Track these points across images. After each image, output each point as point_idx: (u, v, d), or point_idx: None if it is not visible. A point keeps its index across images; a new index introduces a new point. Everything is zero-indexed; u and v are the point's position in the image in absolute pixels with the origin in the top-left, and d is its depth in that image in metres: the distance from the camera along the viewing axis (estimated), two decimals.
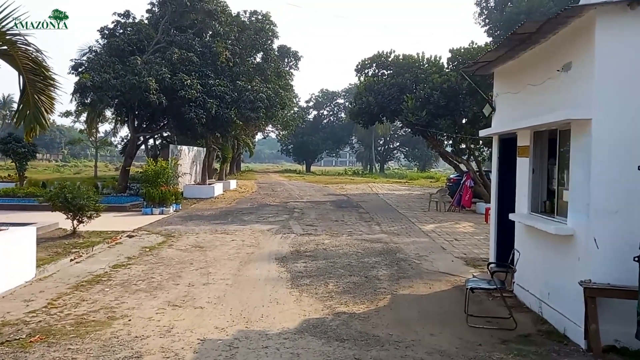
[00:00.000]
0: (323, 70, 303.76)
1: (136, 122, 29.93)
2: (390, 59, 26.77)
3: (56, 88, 8.85)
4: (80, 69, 27.67)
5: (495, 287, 7.17)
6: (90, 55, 28.48)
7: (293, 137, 74.83)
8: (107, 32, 29.27)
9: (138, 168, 30.26)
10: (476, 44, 23.60)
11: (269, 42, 35.39)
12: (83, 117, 39.42)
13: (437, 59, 24.66)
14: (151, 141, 36.34)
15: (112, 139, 49.17)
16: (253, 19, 35.44)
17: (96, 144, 47.58)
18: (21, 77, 8.30)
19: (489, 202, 19.86)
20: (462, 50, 23.22)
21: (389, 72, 26.51)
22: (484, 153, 26.01)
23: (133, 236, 13.95)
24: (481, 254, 12.08)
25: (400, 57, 26.34)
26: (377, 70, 27.40)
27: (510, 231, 8.83)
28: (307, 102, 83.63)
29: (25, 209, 18.95)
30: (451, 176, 28.11)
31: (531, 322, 7.10)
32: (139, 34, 28.48)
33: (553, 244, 6.91)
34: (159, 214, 19.03)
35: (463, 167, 24.80)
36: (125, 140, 37.77)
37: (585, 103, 6.07)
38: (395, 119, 26.54)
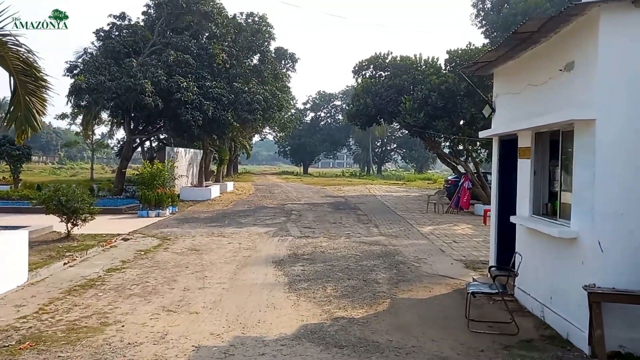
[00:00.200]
0: (320, 72, 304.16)
1: (132, 125, 29.75)
2: (387, 61, 26.69)
3: (48, 89, 8.72)
4: (75, 71, 27.46)
5: (497, 291, 7.03)
6: (86, 57, 28.31)
7: (290, 139, 74.70)
8: (102, 34, 29.11)
9: (134, 170, 30.11)
10: (474, 45, 23.56)
11: (266, 43, 35.32)
12: (79, 119, 39.27)
13: (435, 60, 24.58)
14: (147, 143, 36.16)
15: (109, 141, 49.03)
16: (249, 20, 35.33)
17: (92, 147, 47.36)
18: (12, 78, 8.16)
19: (487, 204, 19.87)
20: (460, 51, 23.14)
21: (386, 73, 26.41)
22: (481, 154, 25.93)
23: (128, 239, 13.77)
24: (481, 256, 11.95)
25: (398, 58, 26.26)
26: (374, 72, 27.28)
27: (510, 233, 8.70)
28: (304, 104, 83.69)
29: (19, 212, 18.75)
30: (449, 178, 28.00)
31: (533, 326, 6.96)
32: (135, 35, 28.32)
33: (556, 247, 6.77)
34: (155, 216, 18.85)
35: (461, 169, 24.69)
36: (121, 143, 37.55)
37: (588, 103, 5.94)
38: (392, 120, 26.42)
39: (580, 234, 6.13)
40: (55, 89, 9.03)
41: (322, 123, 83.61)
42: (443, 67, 23.81)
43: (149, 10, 30.77)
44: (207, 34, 30.42)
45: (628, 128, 5.75)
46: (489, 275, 8.93)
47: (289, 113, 55.06)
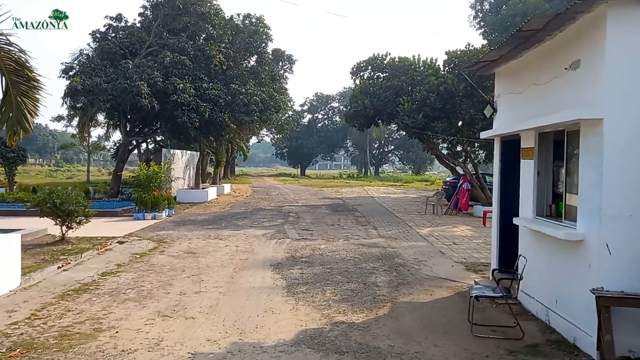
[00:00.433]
0: (317, 74, 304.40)
1: (128, 126, 29.53)
2: (385, 62, 26.52)
3: (41, 90, 8.53)
4: (71, 73, 27.27)
5: (501, 294, 6.86)
6: (82, 59, 28.12)
7: (288, 141, 74.56)
8: (98, 35, 28.96)
9: (131, 172, 29.88)
10: (472, 45, 23.42)
11: (263, 45, 35.18)
12: (75, 121, 38.99)
13: (433, 61, 24.42)
14: (144, 145, 35.91)
15: (105, 143, 48.70)
16: (247, 22, 35.19)
17: (89, 149, 47.09)
18: (3, 78, 7.97)
19: (486, 206, 19.74)
20: (459, 52, 23.00)
21: (384, 74, 26.24)
22: (480, 156, 25.80)
23: (124, 242, 13.57)
24: (481, 258, 11.79)
25: (396, 59, 26.10)
26: (372, 73, 27.11)
27: (511, 235, 8.55)
28: (301, 105, 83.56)
29: (14, 215, 18.55)
30: (448, 179, 27.84)
31: (538, 331, 6.79)
32: (131, 37, 28.15)
33: (561, 250, 6.60)
34: (151, 219, 18.65)
35: (459, 170, 24.55)
36: (117, 145, 37.31)
37: (595, 102, 5.78)
38: (391, 121, 26.23)
39: (587, 236, 5.97)
40: (49, 89, 8.87)
41: (320, 125, 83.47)
42: (442, 68, 23.66)
43: (146, 12, 30.58)
44: (204, 35, 30.23)
45: (638, 127, 5.59)
46: (491, 278, 8.78)
47: (287, 115, 54.91)
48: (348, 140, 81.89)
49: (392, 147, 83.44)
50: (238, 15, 35.39)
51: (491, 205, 10.91)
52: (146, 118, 28.29)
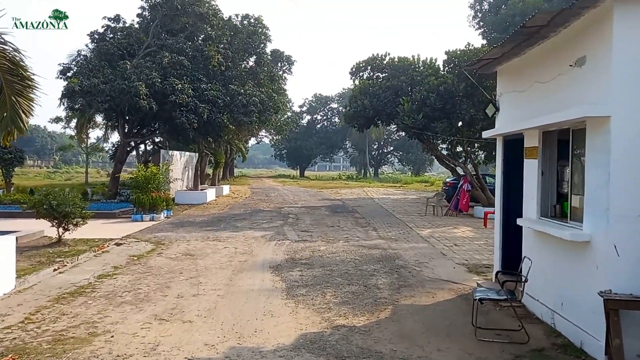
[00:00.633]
0: (316, 75, 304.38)
1: (126, 128, 29.38)
2: (385, 62, 26.37)
3: (36, 89, 8.39)
4: (69, 74, 27.13)
5: (505, 297, 6.71)
6: (80, 60, 27.96)
7: (287, 142, 74.43)
8: (96, 36, 28.82)
9: (129, 174, 29.70)
10: (472, 45, 23.30)
11: (262, 45, 35.03)
12: (73, 122, 38.81)
13: (433, 61, 24.27)
14: (142, 147, 35.74)
15: (103, 144, 48.51)
16: (245, 22, 35.03)
17: (87, 150, 46.91)
18: None
19: (487, 206, 19.61)
20: (459, 52, 22.86)
21: (384, 74, 26.09)
22: (480, 156, 25.66)
23: (121, 244, 13.41)
24: (483, 259, 11.65)
25: (396, 59, 25.95)
26: (372, 73, 26.95)
27: (514, 236, 8.40)
28: (300, 106, 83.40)
29: (11, 217, 18.41)
30: (448, 180, 27.70)
31: (544, 334, 6.64)
32: (129, 38, 28.01)
33: (567, 251, 6.46)
34: (150, 220, 18.50)
35: (460, 171, 24.41)
36: (115, 146, 37.14)
37: (602, 99, 5.64)
38: (390, 122, 26.09)
39: (594, 237, 5.82)
40: (47, 90, 8.75)
41: (319, 126, 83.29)
42: (441, 68, 23.52)
43: (144, 12, 30.45)
44: (202, 36, 30.11)
45: None
46: (494, 280, 8.63)
47: (285, 116, 54.76)
48: (347, 142, 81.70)
49: (392, 148, 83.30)
50: (236, 15, 35.30)
51: (492, 206, 10.76)
52: (144, 119, 28.16)
